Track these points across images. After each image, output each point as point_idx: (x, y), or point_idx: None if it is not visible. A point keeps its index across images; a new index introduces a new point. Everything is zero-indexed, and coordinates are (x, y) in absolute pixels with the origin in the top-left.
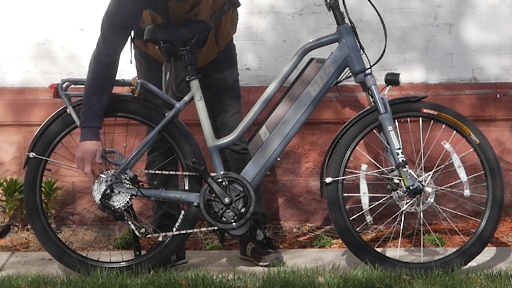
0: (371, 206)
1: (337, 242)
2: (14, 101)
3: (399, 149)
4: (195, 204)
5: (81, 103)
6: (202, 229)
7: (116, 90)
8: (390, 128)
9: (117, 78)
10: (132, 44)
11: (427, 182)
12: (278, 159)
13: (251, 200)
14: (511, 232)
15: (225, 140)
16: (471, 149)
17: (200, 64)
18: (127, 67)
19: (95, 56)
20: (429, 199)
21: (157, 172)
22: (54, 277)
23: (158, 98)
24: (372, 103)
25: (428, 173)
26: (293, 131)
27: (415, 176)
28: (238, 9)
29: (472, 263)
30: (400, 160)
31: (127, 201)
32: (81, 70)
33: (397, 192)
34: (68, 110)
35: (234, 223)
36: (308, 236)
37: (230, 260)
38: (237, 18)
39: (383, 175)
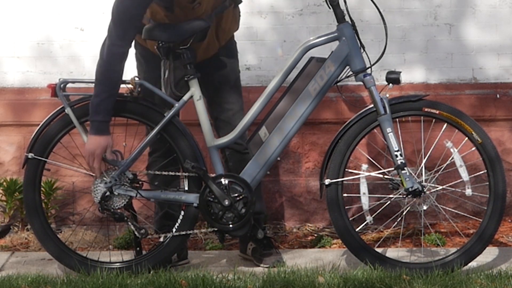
0: (371, 206)
1: (337, 242)
2: (14, 101)
3: (397, 151)
4: (195, 205)
5: (78, 102)
6: (202, 230)
7: None
8: (389, 130)
9: None
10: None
11: (429, 181)
12: (278, 159)
13: (251, 201)
14: (511, 232)
15: (225, 140)
16: (473, 148)
17: (200, 58)
18: (127, 67)
19: (107, 47)
20: (430, 198)
21: (157, 172)
22: (54, 277)
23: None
24: None
25: (430, 172)
26: (293, 131)
27: (415, 177)
28: (239, 8)
29: (472, 263)
30: (399, 162)
31: (126, 203)
32: (81, 70)
33: (398, 191)
34: (66, 111)
35: (234, 224)
36: (308, 236)
37: (230, 260)
38: (239, 16)
39: (383, 175)
